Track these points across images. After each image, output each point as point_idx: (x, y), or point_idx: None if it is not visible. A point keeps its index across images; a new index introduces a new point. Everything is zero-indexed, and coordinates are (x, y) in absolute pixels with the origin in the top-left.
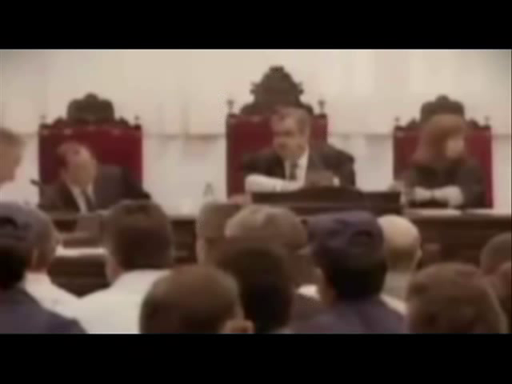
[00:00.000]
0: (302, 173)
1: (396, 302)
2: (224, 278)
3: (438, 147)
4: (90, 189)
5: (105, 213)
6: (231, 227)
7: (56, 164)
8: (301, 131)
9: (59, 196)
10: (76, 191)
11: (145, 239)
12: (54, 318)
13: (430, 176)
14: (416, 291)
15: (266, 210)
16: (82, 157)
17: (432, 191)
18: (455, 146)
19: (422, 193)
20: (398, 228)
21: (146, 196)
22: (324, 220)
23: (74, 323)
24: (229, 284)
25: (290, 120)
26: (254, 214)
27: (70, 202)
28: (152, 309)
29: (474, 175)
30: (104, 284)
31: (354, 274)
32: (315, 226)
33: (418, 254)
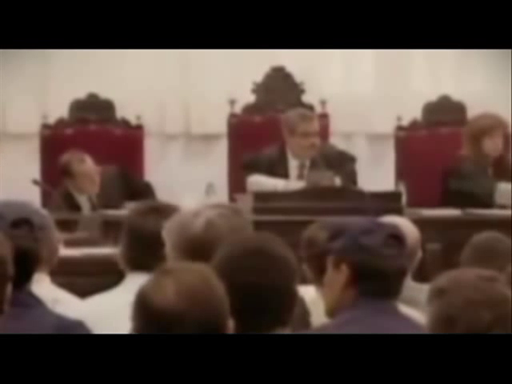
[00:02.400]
0: (306, 173)
1: (404, 309)
2: (212, 273)
3: (476, 146)
4: (94, 195)
5: (106, 213)
6: (170, 231)
7: (60, 173)
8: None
9: (64, 202)
10: (81, 198)
11: (151, 241)
12: (61, 320)
13: (481, 175)
14: (436, 294)
15: (205, 214)
16: (88, 165)
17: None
18: (492, 145)
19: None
20: None
21: (147, 187)
22: (356, 218)
23: (80, 325)
24: (217, 279)
25: (316, 121)
26: (194, 219)
27: (75, 208)
28: (165, 323)
29: None
30: (105, 284)
31: (384, 275)
32: (346, 223)
33: (419, 254)
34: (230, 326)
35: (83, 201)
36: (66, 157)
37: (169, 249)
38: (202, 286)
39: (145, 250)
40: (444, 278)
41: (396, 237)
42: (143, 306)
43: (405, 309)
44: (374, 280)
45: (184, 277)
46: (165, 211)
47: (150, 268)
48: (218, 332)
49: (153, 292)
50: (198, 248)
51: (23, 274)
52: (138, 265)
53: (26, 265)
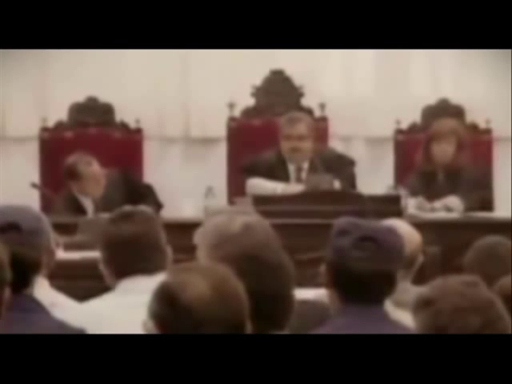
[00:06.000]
0: (304, 176)
1: (399, 312)
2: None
3: (425, 151)
4: (99, 197)
5: (107, 216)
6: (206, 235)
7: (65, 175)
8: (310, 136)
9: (69, 206)
10: (86, 201)
11: (129, 247)
12: (63, 327)
13: (431, 182)
14: (423, 305)
15: (242, 218)
16: (94, 168)
17: (432, 203)
18: (440, 151)
19: (422, 205)
20: None
21: (148, 189)
22: (341, 220)
23: (81, 333)
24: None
25: (302, 125)
26: (231, 222)
27: (80, 211)
28: (199, 318)
29: (474, 184)
30: (105, 287)
31: (352, 277)
32: (334, 225)
33: (420, 259)
34: (249, 326)
35: (88, 203)
36: (73, 158)
37: (203, 252)
38: (229, 283)
39: (126, 257)
40: (428, 288)
41: (370, 239)
42: (174, 302)
43: (401, 314)
44: (346, 282)
45: (211, 274)
46: (135, 215)
47: (137, 272)
48: (241, 330)
49: (185, 288)
50: None
51: (18, 279)
52: (125, 272)
53: (18, 269)
